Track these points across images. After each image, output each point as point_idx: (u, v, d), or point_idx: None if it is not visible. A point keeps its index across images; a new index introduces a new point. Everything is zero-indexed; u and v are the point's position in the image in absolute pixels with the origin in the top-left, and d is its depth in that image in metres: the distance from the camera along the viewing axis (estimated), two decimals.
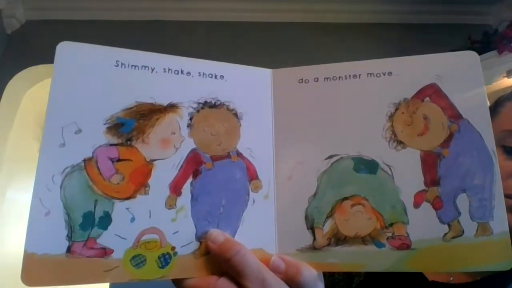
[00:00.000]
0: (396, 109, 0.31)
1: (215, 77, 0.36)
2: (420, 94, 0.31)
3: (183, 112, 0.32)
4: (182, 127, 0.31)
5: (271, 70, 0.35)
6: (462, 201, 0.29)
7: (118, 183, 0.29)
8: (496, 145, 0.46)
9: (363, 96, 0.33)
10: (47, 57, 2.35)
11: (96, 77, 0.30)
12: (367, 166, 0.30)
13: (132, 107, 0.30)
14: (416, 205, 0.29)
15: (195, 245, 0.29)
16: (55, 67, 0.30)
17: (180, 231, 0.29)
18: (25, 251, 0.27)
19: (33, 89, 2.45)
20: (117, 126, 0.30)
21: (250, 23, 2.37)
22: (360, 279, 0.56)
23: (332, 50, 2.31)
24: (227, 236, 0.29)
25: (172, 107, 0.32)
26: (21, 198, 2.30)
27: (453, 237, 0.28)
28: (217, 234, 0.28)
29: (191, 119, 0.32)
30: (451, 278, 0.49)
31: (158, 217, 0.29)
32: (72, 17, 2.37)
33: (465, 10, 2.33)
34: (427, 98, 0.31)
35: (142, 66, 0.32)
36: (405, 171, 0.29)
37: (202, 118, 0.31)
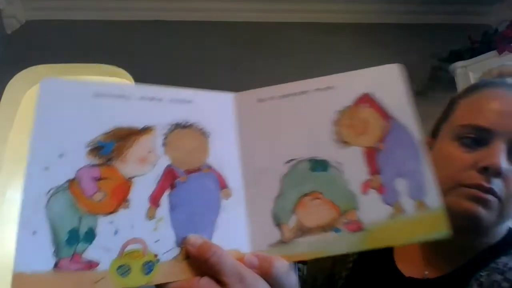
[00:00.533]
0: (340, 116, 0.37)
1: (184, 102, 0.40)
2: (358, 102, 0.38)
3: (157, 133, 0.35)
4: (157, 146, 0.35)
5: (234, 93, 0.41)
6: (401, 185, 0.35)
7: (100, 200, 0.31)
8: (454, 139, 0.49)
9: (312, 108, 0.39)
10: (47, 57, 2.37)
11: (77, 108, 0.33)
12: (320, 165, 0.36)
13: (110, 132, 0.33)
14: (364, 192, 0.34)
15: (176, 251, 0.32)
16: (38, 100, 0.33)
17: (161, 239, 0.32)
18: (13, 271, 0.28)
19: (33, 89, 2.45)
20: (97, 149, 0.32)
21: (250, 23, 2.37)
22: (342, 281, 0.60)
23: (333, 50, 2.31)
24: (204, 239, 0.32)
25: (147, 129, 0.35)
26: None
27: (397, 215, 0.33)
28: (195, 238, 0.31)
29: (165, 138, 0.35)
30: (426, 273, 0.52)
31: (140, 228, 0.31)
32: (72, 17, 2.37)
33: (465, 10, 2.33)
34: (363, 105, 0.38)
35: (119, 95, 0.36)
36: (352, 165, 0.35)
37: (175, 138, 0.36)
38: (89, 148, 0.32)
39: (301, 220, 0.34)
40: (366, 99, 0.38)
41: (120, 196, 0.32)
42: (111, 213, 0.31)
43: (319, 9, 2.36)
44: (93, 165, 0.32)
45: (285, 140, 0.37)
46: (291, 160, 0.36)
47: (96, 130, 0.33)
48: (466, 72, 1.94)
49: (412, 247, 0.56)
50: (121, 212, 0.31)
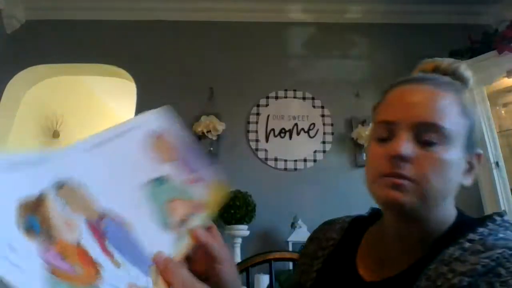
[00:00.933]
0: (154, 143, 0.48)
1: (43, 162, 0.36)
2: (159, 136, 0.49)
3: (51, 197, 0.34)
4: (63, 208, 0.34)
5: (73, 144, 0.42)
6: (207, 172, 0.51)
7: (82, 273, 0.32)
8: (374, 138, 0.53)
9: (128, 147, 0.46)
10: (47, 57, 2.37)
11: None
12: (160, 181, 0.45)
13: (20, 206, 0.31)
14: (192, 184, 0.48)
15: (149, 279, 0.36)
16: None
17: (136, 276, 0.35)
18: None
19: (33, 89, 2.45)
20: (30, 230, 0.31)
21: (250, 23, 2.37)
22: (312, 281, 0.62)
23: (333, 50, 2.31)
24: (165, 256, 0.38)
25: (42, 195, 0.33)
26: None
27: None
28: (160, 256, 0.37)
29: (61, 199, 0.35)
30: (384, 273, 0.53)
31: (122, 277, 0.34)
32: (72, 17, 2.37)
33: (465, 10, 2.33)
34: (161, 137, 0.50)
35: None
36: (175, 172, 0.48)
37: (66, 195, 0.36)
38: (23, 231, 0.30)
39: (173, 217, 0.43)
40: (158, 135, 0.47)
41: (89, 261, 0.33)
42: (98, 278, 0.32)
43: (319, 9, 2.36)
44: (44, 246, 0.31)
45: (128, 174, 0.43)
46: (143, 185, 0.43)
47: (7, 209, 0.31)
48: None
49: (372, 251, 0.58)
50: (103, 274, 0.33)
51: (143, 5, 2.35)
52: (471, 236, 0.48)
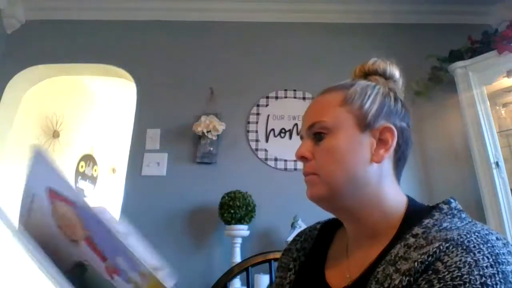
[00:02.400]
0: (58, 220, 0.42)
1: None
2: (51, 199, 0.41)
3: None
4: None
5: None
6: (121, 262, 0.40)
7: None
8: None
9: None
10: (47, 57, 2.37)
11: None
12: (80, 267, 0.41)
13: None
14: (112, 278, 0.39)
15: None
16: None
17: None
18: None
19: (33, 89, 2.45)
20: None
21: (250, 23, 2.37)
22: None
23: (332, 50, 2.31)
24: None
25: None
26: None
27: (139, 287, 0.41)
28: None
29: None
30: (348, 276, 0.54)
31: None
32: (72, 17, 2.37)
33: (465, 10, 2.33)
34: (54, 200, 0.41)
35: None
36: (91, 259, 0.41)
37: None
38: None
39: None
40: (53, 194, 0.40)
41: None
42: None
43: (319, 9, 2.36)
44: None
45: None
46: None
47: None
48: (466, 72, 1.94)
49: (338, 256, 0.59)
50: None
51: (143, 5, 2.35)
52: (415, 230, 0.47)
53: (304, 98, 2.20)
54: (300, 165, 2.05)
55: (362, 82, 0.60)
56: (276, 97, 2.20)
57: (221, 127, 2.02)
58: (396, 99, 0.59)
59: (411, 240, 0.46)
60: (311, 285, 0.59)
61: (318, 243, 0.65)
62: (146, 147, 2.07)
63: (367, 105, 0.56)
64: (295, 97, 2.20)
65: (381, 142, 0.55)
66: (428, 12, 2.34)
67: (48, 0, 2.36)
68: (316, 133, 0.57)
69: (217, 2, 2.34)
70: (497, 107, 2.03)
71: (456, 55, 2.00)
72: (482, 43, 1.95)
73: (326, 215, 0.68)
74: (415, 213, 0.52)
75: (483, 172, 1.79)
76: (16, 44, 2.32)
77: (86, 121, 3.39)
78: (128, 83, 2.32)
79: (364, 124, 0.55)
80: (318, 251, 0.63)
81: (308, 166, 0.57)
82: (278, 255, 1.06)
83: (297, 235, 0.70)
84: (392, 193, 0.54)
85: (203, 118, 2.02)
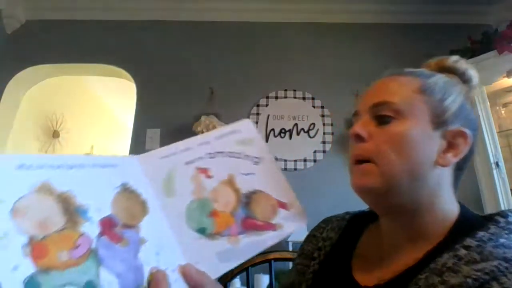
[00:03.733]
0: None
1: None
2: None
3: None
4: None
5: (137, 156, 0.44)
6: None
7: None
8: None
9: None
10: (47, 57, 2.37)
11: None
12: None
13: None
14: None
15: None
16: None
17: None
18: None
19: (33, 89, 2.45)
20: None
21: (250, 23, 2.37)
22: (308, 283, 0.60)
23: (332, 50, 2.31)
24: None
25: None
26: None
27: None
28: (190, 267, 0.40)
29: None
30: (379, 276, 0.50)
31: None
32: (72, 17, 2.37)
33: (465, 10, 2.33)
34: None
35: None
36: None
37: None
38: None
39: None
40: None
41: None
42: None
43: (319, 9, 2.36)
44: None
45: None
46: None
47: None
48: None
49: (369, 251, 0.55)
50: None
51: (143, 5, 2.35)
52: (468, 241, 0.43)
53: (304, 98, 2.20)
54: (300, 165, 2.06)
55: (443, 76, 0.54)
56: (276, 97, 2.20)
57: (221, 127, 2.02)
58: (471, 105, 0.54)
59: (462, 251, 0.42)
60: (336, 277, 0.56)
61: (346, 234, 0.61)
62: (146, 147, 2.07)
63: (448, 102, 0.50)
64: (295, 97, 2.20)
65: (451, 145, 0.49)
66: (428, 12, 2.34)
67: (48, 0, 2.36)
68: (382, 115, 0.49)
69: (217, 2, 2.34)
70: (497, 107, 2.04)
71: (456, 55, 2.00)
72: (482, 43, 1.96)
73: (325, 214, 0.68)
74: (467, 222, 0.48)
75: (483, 172, 1.79)
76: (16, 44, 2.32)
77: (86, 121, 3.39)
78: (128, 83, 2.32)
79: (439, 121, 0.49)
80: (345, 243, 0.60)
81: (362, 148, 0.50)
82: (278, 255, 1.06)
83: (322, 222, 0.66)
84: (447, 200, 0.49)
85: (203, 118, 2.02)
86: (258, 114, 2.16)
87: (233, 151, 0.50)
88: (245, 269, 1.10)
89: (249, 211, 0.46)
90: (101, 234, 0.35)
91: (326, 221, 0.66)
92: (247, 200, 0.47)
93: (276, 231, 0.47)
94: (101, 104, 3.76)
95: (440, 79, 0.53)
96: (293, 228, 0.48)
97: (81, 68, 2.38)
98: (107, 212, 0.37)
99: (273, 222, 0.47)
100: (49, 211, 0.33)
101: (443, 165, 0.48)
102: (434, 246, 0.47)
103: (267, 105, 2.18)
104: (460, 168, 0.51)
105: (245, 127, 0.53)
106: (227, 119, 2.08)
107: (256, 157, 0.51)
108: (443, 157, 0.48)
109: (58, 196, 0.34)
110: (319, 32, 2.35)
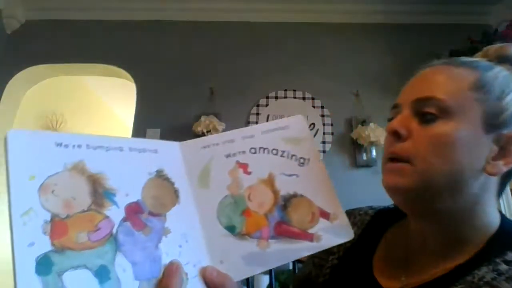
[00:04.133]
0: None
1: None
2: None
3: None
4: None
5: (178, 143, 0.44)
6: None
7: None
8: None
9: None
10: (47, 57, 2.37)
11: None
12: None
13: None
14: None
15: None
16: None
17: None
18: None
19: (33, 89, 2.45)
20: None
21: (250, 23, 2.37)
22: (325, 278, 0.58)
23: (333, 50, 2.31)
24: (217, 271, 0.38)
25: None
26: None
27: None
28: (212, 269, 0.38)
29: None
30: (403, 278, 0.48)
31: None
32: (72, 17, 2.37)
33: (465, 10, 2.33)
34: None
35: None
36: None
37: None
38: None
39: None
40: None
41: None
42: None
43: (319, 9, 2.36)
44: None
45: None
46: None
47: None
48: None
49: (392, 252, 0.52)
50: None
51: (143, 5, 2.35)
52: (510, 256, 0.40)
53: (304, 98, 2.20)
54: None
55: (503, 69, 0.46)
56: (276, 97, 2.20)
57: (221, 127, 2.02)
58: None
59: (504, 267, 0.39)
60: (356, 276, 0.53)
61: (369, 231, 0.57)
62: None
63: (506, 101, 0.43)
64: (295, 97, 2.20)
65: (504, 152, 0.43)
66: (428, 12, 2.34)
67: (48, 0, 2.36)
68: (425, 112, 0.44)
69: (217, 2, 2.34)
70: None
71: (456, 55, 1.99)
72: (482, 43, 1.95)
73: None
74: (508, 235, 0.44)
75: None
76: (16, 44, 2.32)
77: (86, 121, 3.39)
78: (128, 83, 2.32)
79: (493, 124, 0.42)
80: (368, 239, 0.56)
81: (400, 147, 0.44)
82: None
83: (345, 214, 0.64)
84: (488, 209, 0.45)
85: (203, 118, 2.02)
86: (258, 114, 2.16)
87: (278, 148, 0.46)
88: None
89: (285, 216, 0.43)
90: (125, 219, 0.35)
91: (348, 213, 0.60)
92: (285, 203, 0.43)
93: (312, 242, 0.42)
94: (101, 104, 3.76)
95: (500, 72, 0.45)
96: (333, 242, 0.43)
97: (81, 68, 2.38)
98: (136, 197, 0.36)
99: (311, 231, 0.43)
100: (77, 191, 0.33)
101: (491, 174, 0.43)
102: (470, 257, 0.43)
103: (267, 105, 2.18)
104: (509, 175, 0.45)
105: (295, 124, 0.48)
106: (227, 119, 2.08)
107: (303, 158, 0.47)
108: (492, 164, 0.42)
109: (89, 176, 0.34)
110: (319, 32, 2.35)
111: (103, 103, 3.80)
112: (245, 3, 2.34)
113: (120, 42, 2.33)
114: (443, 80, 0.45)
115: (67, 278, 0.30)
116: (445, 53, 2.05)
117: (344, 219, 0.44)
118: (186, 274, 0.36)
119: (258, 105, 2.17)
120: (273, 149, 0.46)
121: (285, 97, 2.20)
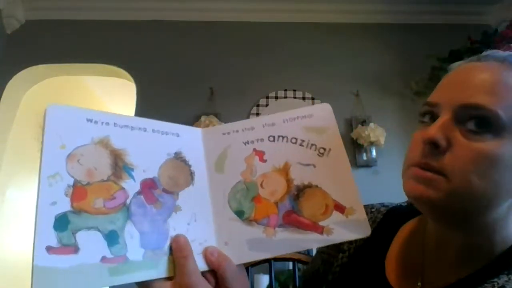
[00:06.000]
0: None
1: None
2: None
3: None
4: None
5: (200, 129, 0.46)
6: None
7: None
8: (418, 122, 0.45)
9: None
10: (47, 57, 2.37)
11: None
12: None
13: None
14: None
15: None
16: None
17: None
18: None
19: (33, 89, 2.45)
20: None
21: (250, 23, 2.37)
22: (334, 276, 0.56)
23: (333, 50, 2.31)
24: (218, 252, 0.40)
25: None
26: (21, 197, 2.31)
27: None
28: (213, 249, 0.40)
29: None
30: (419, 284, 0.46)
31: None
32: (72, 17, 2.37)
33: (465, 10, 2.33)
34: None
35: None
36: None
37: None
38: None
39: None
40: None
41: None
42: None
43: (319, 9, 2.36)
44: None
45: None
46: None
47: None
48: None
49: (404, 253, 0.51)
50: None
51: (143, 5, 2.35)
52: None
53: (304, 98, 2.20)
54: None
55: None
56: (276, 97, 2.20)
57: None
58: None
59: None
60: (367, 276, 0.51)
61: (381, 229, 0.55)
62: None
63: None
64: (295, 97, 2.20)
65: None
66: (428, 12, 2.34)
67: (48, 0, 2.36)
68: (475, 123, 0.38)
69: (216, 2, 2.34)
70: None
71: (456, 55, 2.00)
72: (482, 43, 1.95)
73: None
74: None
75: None
76: (16, 44, 2.32)
77: None
78: (128, 83, 2.32)
79: None
80: (380, 238, 0.53)
81: (438, 160, 0.39)
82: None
83: None
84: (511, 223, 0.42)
85: (203, 118, 2.02)
86: (258, 114, 2.16)
87: (298, 137, 0.46)
88: (245, 269, 1.10)
89: (296, 205, 0.42)
90: (139, 192, 0.38)
91: None
92: (298, 193, 0.43)
93: (322, 234, 0.41)
94: (101, 104, 3.75)
95: None
96: (345, 237, 0.41)
97: (81, 68, 2.38)
98: (152, 174, 0.39)
99: (322, 224, 0.41)
100: (99, 163, 0.37)
101: None
102: (487, 263, 0.41)
103: (267, 105, 2.18)
104: None
105: (320, 112, 0.48)
106: (227, 119, 2.08)
107: (323, 148, 0.45)
108: None
109: (112, 151, 0.38)
110: (319, 32, 2.35)
111: (103, 103, 3.80)
112: (245, 3, 2.34)
113: (120, 42, 2.33)
114: (499, 88, 0.38)
115: (80, 236, 0.34)
116: (445, 53, 2.05)
117: (362, 215, 0.42)
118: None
119: (258, 105, 2.17)
120: (293, 137, 0.46)
121: (285, 97, 2.20)
